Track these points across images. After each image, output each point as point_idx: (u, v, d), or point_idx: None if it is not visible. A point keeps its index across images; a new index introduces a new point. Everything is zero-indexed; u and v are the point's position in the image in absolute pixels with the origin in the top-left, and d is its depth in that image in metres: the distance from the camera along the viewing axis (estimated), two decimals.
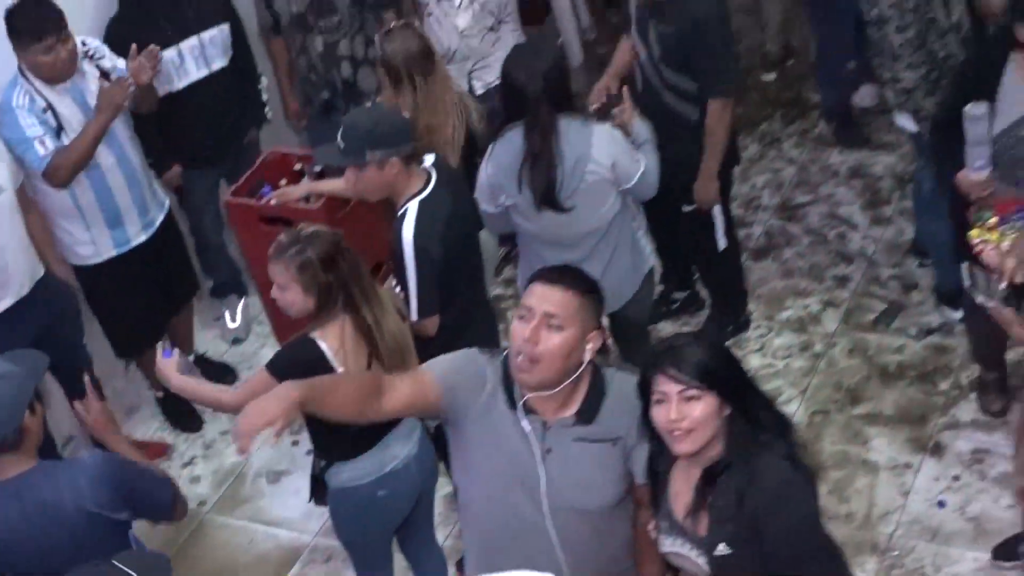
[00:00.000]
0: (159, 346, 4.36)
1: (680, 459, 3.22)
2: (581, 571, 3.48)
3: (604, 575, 3.54)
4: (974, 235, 4.41)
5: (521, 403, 3.38)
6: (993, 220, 4.38)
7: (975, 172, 4.53)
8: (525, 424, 3.39)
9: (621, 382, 3.42)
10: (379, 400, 3.38)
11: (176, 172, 5.96)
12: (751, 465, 3.11)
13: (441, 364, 3.53)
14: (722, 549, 3.17)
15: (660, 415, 3.12)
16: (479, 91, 5.99)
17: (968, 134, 4.49)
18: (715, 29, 5.16)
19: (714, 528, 3.18)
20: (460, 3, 5.99)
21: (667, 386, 3.10)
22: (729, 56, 5.34)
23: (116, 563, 3.25)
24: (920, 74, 5.15)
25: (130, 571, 3.20)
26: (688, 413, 3.08)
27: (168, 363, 4.19)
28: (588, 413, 3.39)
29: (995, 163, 4.54)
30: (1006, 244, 4.27)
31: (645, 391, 3.18)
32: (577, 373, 3.36)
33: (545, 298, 3.29)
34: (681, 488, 3.27)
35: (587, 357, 3.36)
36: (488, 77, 5.90)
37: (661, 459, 3.30)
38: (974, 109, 4.45)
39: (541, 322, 3.26)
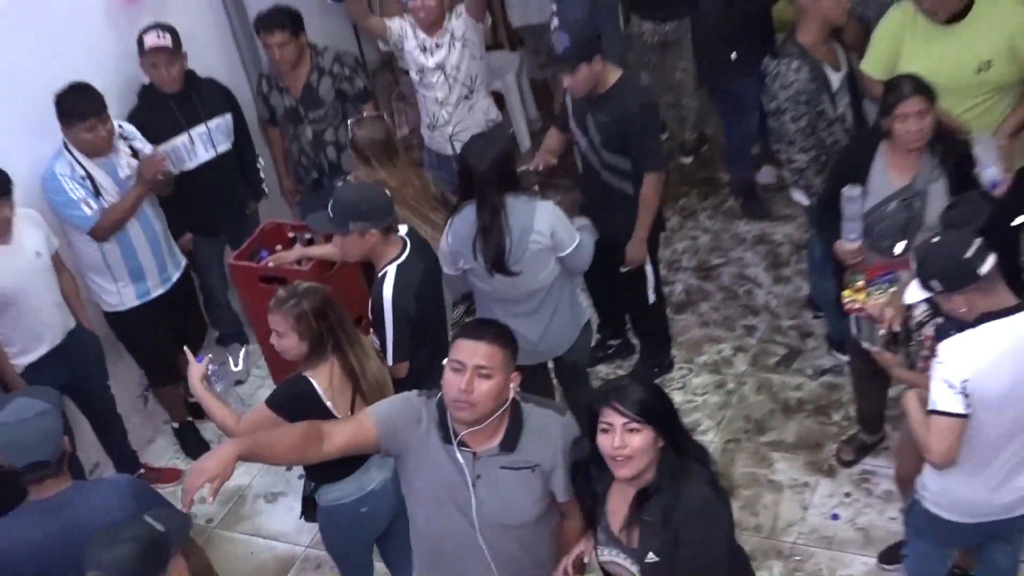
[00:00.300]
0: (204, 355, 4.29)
1: (617, 481, 3.23)
2: None
3: None
4: (845, 295, 4.49)
5: (456, 439, 3.37)
6: (860, 283, 4.45)
7: (848, 243, 4.57)
8: (458, 456, 3.39)
9: (538, 416, 3.44)
10: (319, 445, 3.37)
11: (187, 239, 5.95)
12: (677, 488, 3.14)
13: (381, 408, 3.53)
14: (651, 558, 3.20)
15: (605, 442, 3.14)
16: (459, 151, 6.00)
17: (844, 211, 4.54)
18: (647, 117, 5.16)
19: (644, 540, 3.21)
20: (437, 80, 6.06)
21: (613, 418, 3.13)
22: (659, 138, 5.35)
23: (146, 518, 3.27)
24: (811, 156, 5.18)
25: (157, 524, 3.20)
26: (629, 442, 3.10)
27: (197, 367, 4.14)
28: (510, 443, 3.38)
29: (866, 235, 4.57)
30: (871, 302, 4.33)
31: (593, 421, 3.19)
32: (503, 408, 3.36)
33: (474, 352, 3.28)
34: (617, 506, 3.29)
35: (510, 395, 3.37)
36: (465, 137, 5.80)
37: (600, 481, 3.31)
38: (849, 191, 4.49)
39: (473, 373, 3.26)
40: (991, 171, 4.48)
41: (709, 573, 3.18)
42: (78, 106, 5.10)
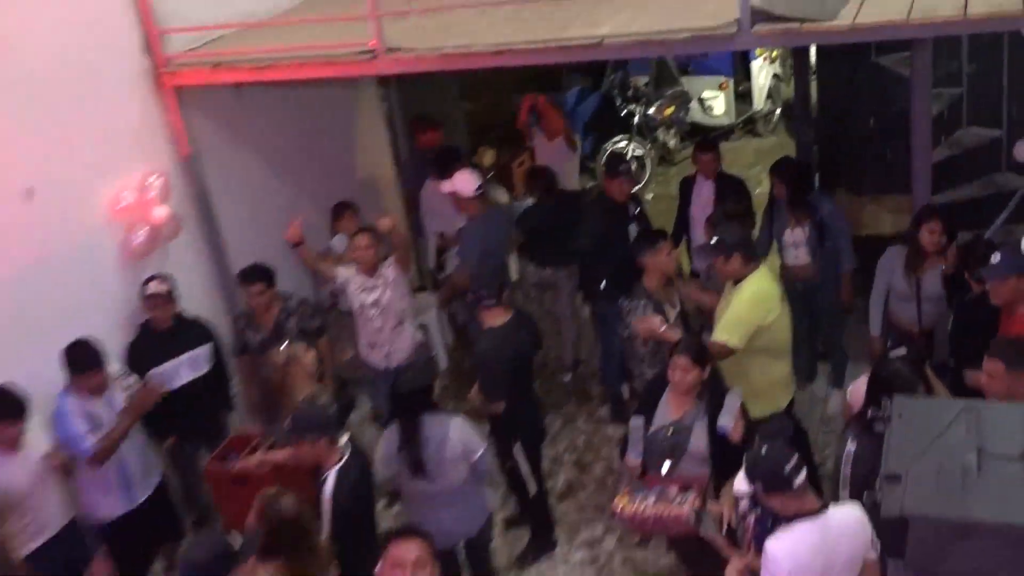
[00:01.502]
0: None
1: None
2: None
3: None
4: (615, 501, 4.40)
5: None
6: (625, 491, 4.37)
7: (632, 458, 4.50)
8: None
9: None
10: None
11: (170, 442, 5.51)
12: None
13: None
14: None
15: None
16: (393, 365, 5.93)
17: (631, 435, 4.52)
18: (487, 362, 5.15)
19: None
20: (374, 313, 5.88)
21: None
22: (490, 378, 5.18)
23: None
24: (656, 371, 5.00)
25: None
26: None
27: None
28: None
29: (644, 455, 4.48)
30: (629, 508, 4.28)
31: None
32: None
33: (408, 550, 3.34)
34: None
35: None
36: (398, 356, 5.96)
37: None
38: (634, 421, 4.53)
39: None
40: (724, 421, 4.36)
41: None
42: (80, 361, 4.76)
